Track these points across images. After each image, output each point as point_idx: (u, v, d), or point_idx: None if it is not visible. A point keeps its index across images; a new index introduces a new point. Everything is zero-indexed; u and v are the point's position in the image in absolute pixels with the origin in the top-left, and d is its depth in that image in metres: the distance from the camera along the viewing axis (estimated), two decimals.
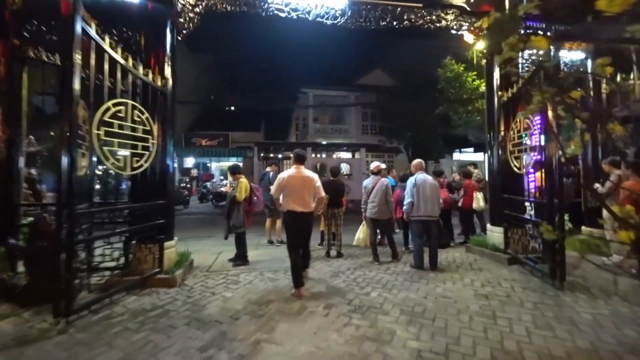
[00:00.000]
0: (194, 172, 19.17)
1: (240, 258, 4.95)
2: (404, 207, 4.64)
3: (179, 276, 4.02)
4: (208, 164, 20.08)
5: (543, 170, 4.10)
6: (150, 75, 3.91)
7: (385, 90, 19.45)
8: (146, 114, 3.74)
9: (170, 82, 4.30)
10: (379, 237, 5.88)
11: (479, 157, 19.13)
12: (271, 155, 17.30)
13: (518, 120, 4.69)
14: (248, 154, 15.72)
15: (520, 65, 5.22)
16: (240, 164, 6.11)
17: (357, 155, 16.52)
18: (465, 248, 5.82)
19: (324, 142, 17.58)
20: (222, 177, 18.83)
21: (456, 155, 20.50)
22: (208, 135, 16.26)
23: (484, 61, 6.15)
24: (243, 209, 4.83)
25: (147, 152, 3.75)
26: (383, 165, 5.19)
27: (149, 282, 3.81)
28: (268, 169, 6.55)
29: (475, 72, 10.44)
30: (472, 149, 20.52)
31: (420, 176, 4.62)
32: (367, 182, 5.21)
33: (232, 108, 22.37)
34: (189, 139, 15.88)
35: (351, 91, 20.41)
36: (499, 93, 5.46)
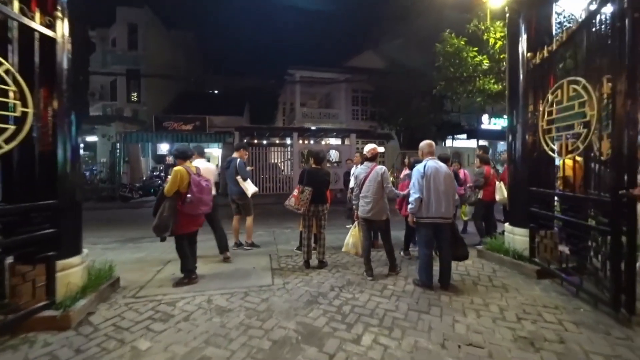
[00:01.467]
0: (170, 159, 17.48)
1: (185, 274, 3.67)
2: (409, 206, 3.38)
3: (79, 311, 2.71)
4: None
5: (606, 155, 2.90)
6: (17, 6, 2.48)
7: (376, 73, 18.04)
8: (6, 66, 2.33)
9: (63, 25, 2.87)
10: (374, 238, 4.69)
11: (472, 144, 18.15)
12: (255, 141, 15.85)
13: (561, 86, 3.45)
14: (227, 139, 14.19)
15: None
16: (221, 149, 4.65)
17: (347, 142, 15.23)
18: (477, 252, 4.69)
19: (312, 128, 16.15)
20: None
21: (449, 142, 19.36)
22: (182, 119, 14.64)
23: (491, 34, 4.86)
24: (175, 207, 3.50)
25: (8, 127, 2.37)
26: (381, 149, 3.91)
27: (27, 322, 2.51)
28: (235, 154, 5.21)
29: (476, 48, 9.16)
30: (465, 136, 19.49)
31: (431, 163, 3.36)
32: (359, 170, 3.93)
33: (213, 91, 20.61)
34: (160, 122, 14.26)
35: (341, 73, 18.88)
36: (528, 55, 4.20)
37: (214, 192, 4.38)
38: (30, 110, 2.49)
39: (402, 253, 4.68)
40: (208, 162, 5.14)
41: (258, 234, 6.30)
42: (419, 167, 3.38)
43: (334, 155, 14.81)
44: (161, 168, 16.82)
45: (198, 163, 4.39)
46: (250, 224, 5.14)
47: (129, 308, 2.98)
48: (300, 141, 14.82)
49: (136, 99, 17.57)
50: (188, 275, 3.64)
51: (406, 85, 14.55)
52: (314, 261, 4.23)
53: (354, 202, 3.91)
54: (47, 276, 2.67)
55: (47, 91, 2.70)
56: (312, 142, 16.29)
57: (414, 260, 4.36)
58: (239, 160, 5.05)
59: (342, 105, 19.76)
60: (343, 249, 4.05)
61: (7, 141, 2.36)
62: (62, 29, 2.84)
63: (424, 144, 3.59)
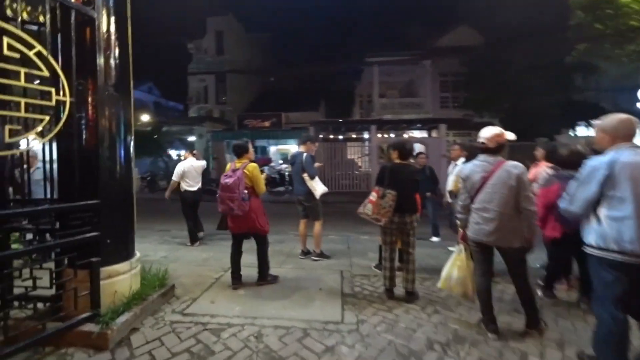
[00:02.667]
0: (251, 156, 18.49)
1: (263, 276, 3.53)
2: (589, 236, 1.92)
3: (119, 328, 2.37)
4: (267, 147, 19.20)
5: None
6: None
7: (471, 50, 15.36)
8: (38, 48, 2.03)
9: (107, 3, 2.54)
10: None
11: None
12: (331, 136, 15.37)
13: None
14: (303, 135, 13.99)
15: None
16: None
17: (434, 134, 13.37)
18: None
19: (391, 119, 14.75)
20: (281, 161, 17.73)
21: (582, 130, 14.75)
22: (260, 116, 15.09)
23: None
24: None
25: (43, 118, 2.09)
26: (510, 135, 2.60)
27: (70, 335, 2.25)
28: (302, 148, 4.55)
29: None
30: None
31: (627, 155, 1.82)
32: (469, 169, 2.58)
33: (290, 88, 20.99)
34: (242, 120, 14.97)
35: (426, 56, 16.79)
36: None
37: (196, 187, 5.47)
38: (67, 99, 2.18)
39: (540, 292, 3.19)
40: (197, 160, 5.65)
41: (329, 239, 5.57)
42: (600, 161, 1.87)
43: (418, 149, 13.17)
44: None
45: (187, 161, 5.47)
46: (318, 230, 4.42)
47: (172, 330, 2.55)
48: (379, 135, 13.64)
49: (223, 100, 19.08)
50: (260, 277, 3.56)
51: (514, 59, 11.76)
52: (398, 289, 3.23)
53: (459, 215, 2.71)
54: (91, 284, 2.38)
55: (87, 78, 2.39)
56: (392, 135, 14.91)
57: (564, 308, 2.95)
58: (305, 155, 4.36)
59: (428, 92, 17.62)
60: (440, 285, 2.78)
61: (42, 134, 2.08)
62: (105, 7, 2.51)
63: (616, 119, 1.93)
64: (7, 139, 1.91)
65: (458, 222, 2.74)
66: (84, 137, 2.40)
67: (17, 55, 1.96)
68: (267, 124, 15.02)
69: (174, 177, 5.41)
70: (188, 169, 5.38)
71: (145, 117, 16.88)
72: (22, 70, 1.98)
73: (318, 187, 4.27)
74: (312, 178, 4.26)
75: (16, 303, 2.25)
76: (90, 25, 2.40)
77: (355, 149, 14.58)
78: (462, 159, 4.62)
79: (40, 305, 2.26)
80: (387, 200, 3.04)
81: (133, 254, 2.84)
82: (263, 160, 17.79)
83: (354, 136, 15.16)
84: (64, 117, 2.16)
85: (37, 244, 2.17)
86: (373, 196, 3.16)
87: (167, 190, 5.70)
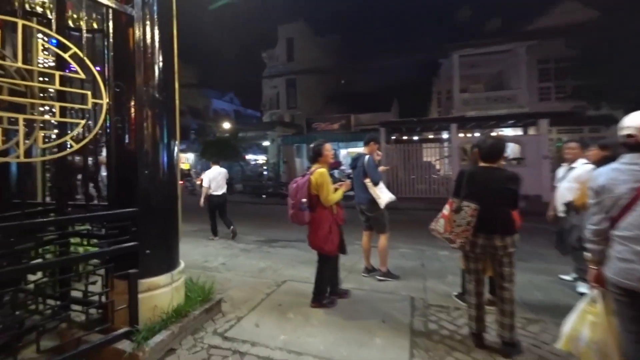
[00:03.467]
0: None
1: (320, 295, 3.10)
2: None
3: (153, 349, 2.15)
4: (336, 151, 18.97)
5: None
6: None
7: (583, 28, 12.40)
8: (72, 50, 1.93)
9: (148, 3, 2.40)
10: None
11: None
12: (404, 137, 14.22)
13: None
14: (367, 135, 13.26)
15: None
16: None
17: (532, 131, 11.12)
18: None
19: (475, 115, 12.85)
20: (349, 165, 17.31)
21: None
22: (328, 119, 14.86)
23: None
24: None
25: (78, 122, 1.98)
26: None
27: (105, 351, 2.12)
28: (364, 150, 3.96)
29: None
30: None
31: None
32: (610, 176, 1.60)
33: (360, 89, 20.38)
34: (310, 124, 15.00)
35: (520, 40, 14.25)
36: None
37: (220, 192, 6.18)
38: (104, 101, 2.05)
39: None
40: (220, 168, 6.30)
41: (400, 253, 4.82)
42: None
43: (512, 150, 11.12)
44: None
45: (213, 170, 6.25)
46: (384, 245, 3.73)
47: (208, 356, 2.24)
48: (461, 134, 12.00)
49: (293, 105, 19.62)
50: (314, 298, 3.08)
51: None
52: (490, 333, 2.37)
53: (591, 246, 1.73)
54: (129, 298, 2.23)
55: (126, 80, 2.25)
56: (476, 134, 13.01)
57: None
58: (367, 157, 3.74)
59: (522, 83, 14.91)
60: (562, 345, 1.80)
61: (77, 139, 1.98)
62: (146, 6, 2.37)
63: None
64: (40, 144, 1.81)
65: (588, 254, 1.78)
66: (121, 141, 2.27)
67: (52, 58, 1.87)
68: (335, 126, 14.74)
69: (204, 184, 6.10)
70: (214, 176, 6.18)
71: (226, 125, 18.40)
72: (57, 73, 1.88)
73: (383, 195, 3.61)
74: (375, 184, 3.63)
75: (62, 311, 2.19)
76: (129, 25, 2.27)
77: (432, 150, 13.15)
78: (583, 160, 3.40)
79: (75, 314, 2.17)
80: (463, 215, 2.23)
81: (176, 265, 2.65)
82: (333, 163, 17.52)
83: (431, 137, 13.74)
84: (100, 120, 2.03)
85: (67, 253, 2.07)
86: (446, 209, 2.41)
87: (202, 196, 6.35)
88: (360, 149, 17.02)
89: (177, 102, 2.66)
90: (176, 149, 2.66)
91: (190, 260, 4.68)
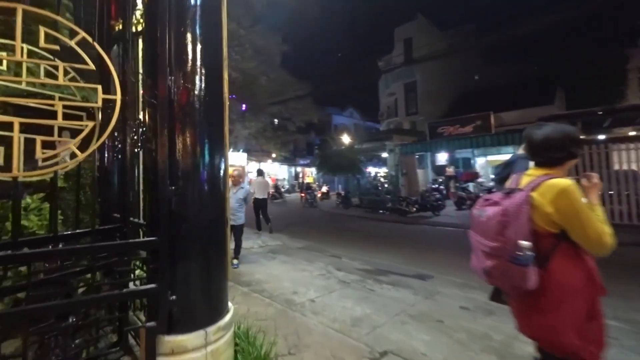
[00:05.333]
0: (450, 170, 15.71)
1: None
2: None
3: None
4: (471, 159, 15.77)
5: None
6: None
7: None
8: (81, 35, 1.49)
9: None
10: None
11: None
12: (581, 137, 10.24)
13: None
14: (525, 131, 10.06)
15: None
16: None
17: None
18: None
19: None
20: (492, 176, 14.00)
21: None
22: (458, 121, 12.31)
23: None
24: None
25: (83, 126, 1.51)
26: None
27: None
28: (522, 149, 2.34)
29: None
30: None
31: None
32: None
33: (500, 81, 16.53)
34: (434, 128, 12.84)
35: None
36: None
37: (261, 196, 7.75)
38: (118, 97, 1.54)
39: None
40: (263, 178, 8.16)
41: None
42: None
43: None
44: (440, 180, 15.44)
45: (256, 179, 8.18)
46: None
47: None
48: None
49: (414, 110, 17.69)
50: None
51: None
52: None
53: None
54: None
55: (151, 74, 1.70)
56: None
57: None
58: (525, 157, 2.13)
59: None
60: None
61: (81, 147, 1.50)
62: None
63: None
64: (38, 154, 1.38)
65: None
66: (138, 147, 1.72)
67: (56, 47, 1.44)
68: (468, 129, 12.08)
69: (251, 190, 6.80)
70: (258, 184, 7.92)
71: (344, 139, 18.39)
72: (61, 65, 1.45)
73: None
74: None
75: None
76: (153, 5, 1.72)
77: (631, 153, 8.80)
78: None
79: None
80: None
81: (219, 316, 1.91)
82: (467, 174, 14.71)
83: (630, 133, 9.37)
84: (112, 121, 1.51)
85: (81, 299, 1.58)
86: None
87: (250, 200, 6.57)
88: (503, 156, 13.57)
89: (224, 105, 1.98)
90: (223, 161, 1.97)
91: (279, 288, 4.10)
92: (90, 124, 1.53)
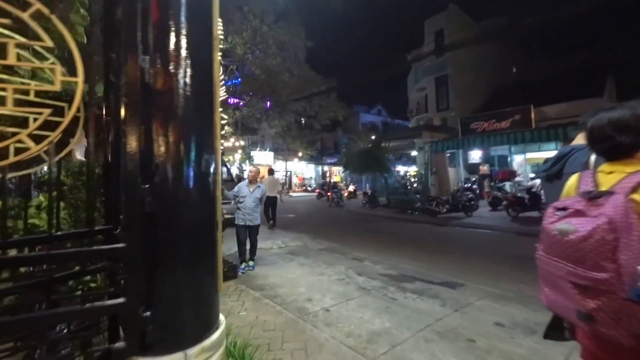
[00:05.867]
0: (484, 168, 14.60)
1: None
2: None
3: None
4: (508, 157, 14.53)
5: None
6: None
7: None
8: (36, 6, 1.29)
9: None
10: None
11: None
12: None
13: None
14: (571, 133, 9.02)
15: None
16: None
17: None
18: None
19: None
20: (531, 175, 12.81)
21: None
22: (493, 116, 11.29)
23: None
24: None
25: (38, 113, 1.31)
26: None
27: None
28: (578, 139, 1.85)
29: None
30: None
31: None
32: None
33: (540, 73, 15.09)
34: (467, 125, 11.90)
35: None
36: None
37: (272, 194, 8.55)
38: (79, 79, 1.33)
39: None
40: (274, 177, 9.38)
41: None
42: None
43: None
44: (473, 179, 14.42)
45: (267, 179, 8.87)
46: None
47: None
48: None
49: (444, 106, 16.65)
50: None
51: None
52: None
53: None
54: None
55: (117, 49, 1.47)
56: None
57: None
58: (583, 149, 1.65)
59: None
60: None
61: (36, 138, 1.31)
62: None
63: None
64: None
65: None
66: (103, 136, 1.49)
67: (5, 21, 1.26)
68: (505, 124, 11.06)
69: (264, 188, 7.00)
70: (268, 182, 8.49)
71: (372, 137, 17.82)
72: (11, 42, 1.26)
73: None
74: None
75: None
76: None
77: None
78: None
79: None
80: None
81: (205, 334, 1.65)
82: (503, 173, 13.60)
83: None
84: (73, 108, 1.30)
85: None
86: None
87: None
88: (544, 153, 12.34)
89: (215, 90, 1.72)
90: (213, 155, 1.70)
91: (293, 293, 3.83)
92: (47, 111, 1.33)
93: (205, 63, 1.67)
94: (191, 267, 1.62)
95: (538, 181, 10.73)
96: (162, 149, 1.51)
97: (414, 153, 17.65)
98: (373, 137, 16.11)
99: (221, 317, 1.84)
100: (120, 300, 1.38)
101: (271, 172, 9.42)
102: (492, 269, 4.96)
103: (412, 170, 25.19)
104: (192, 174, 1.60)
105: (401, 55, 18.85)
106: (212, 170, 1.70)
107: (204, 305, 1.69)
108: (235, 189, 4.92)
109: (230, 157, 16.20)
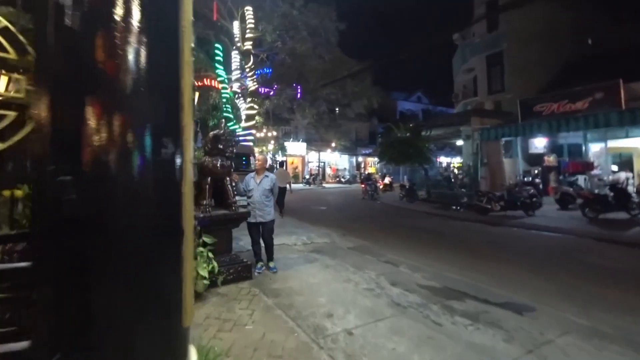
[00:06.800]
0: (551, 159, 12.46)
1: None
2: None
3: None
4: (582, 146, 12.19)
5: None
6: None
7: None
8: None
9: None
10: None
11: None
12: None
13: None
14: None
15: None
16: None
17: None
18: None
19: None
20: (614, 168, 10.67)
21: None
22: (567, 95, 9.29)
23: None
24: None
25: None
26: None
27: None
28: None
29: None
30: None
31: None
32: None
33: (628, 43, 12.43)
34: (529, 107, 9.99)
35: None
36: None
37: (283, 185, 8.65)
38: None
39: None
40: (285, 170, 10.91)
41: None
42: None
43: None
44: (536, 172, 12.41)
45: (278, 171, 8.98)
46: None
47: None
48: None
49: (498, 87, 14.55)
50: None
51: None
52: None
53: None
54: None
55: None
56: None
57: None
58: None
59: None
60: None
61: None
62: None
63: None
64: None
65: None
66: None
67: None
68: (582, 105, 9.07)
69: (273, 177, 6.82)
70: (278, 175, 8.31)
71: (412, 125, 16.42)
72: None
73: None
74: None
75: None
76: None
77: None
78: None
79: None
80: None
81: None
82: (575, 165, 11.55)
83: None
84: None
85: None
86: None
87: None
88: (634, 140, 10.19)
89: (182, 58, 0.96)
90: (179, 141, 0.97)
91: (311, 305, 3.12)
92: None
93: (168, 20, 0.95)
94: (140, 295, 0.94)
95: (623, 174, 8.75)
96: (93, 123, 0.83)
97: (459, 142, 15.91)
98: (411, 125, 14.70)
99: (191, 353, 1.12)
100: (23, 344, 0.78)
101: (282, 164, 10.24)
102: (573, 286, 3.80)
103: (456, 161, 23.09)
104: (140, 162, 0.90)
105: (446, 34, 16.95)
106: (176, 158, 0.98)
107: (156, 344, 1.00)
108: (243, 183, 4.29)
109: (264, 148, 15.98)
